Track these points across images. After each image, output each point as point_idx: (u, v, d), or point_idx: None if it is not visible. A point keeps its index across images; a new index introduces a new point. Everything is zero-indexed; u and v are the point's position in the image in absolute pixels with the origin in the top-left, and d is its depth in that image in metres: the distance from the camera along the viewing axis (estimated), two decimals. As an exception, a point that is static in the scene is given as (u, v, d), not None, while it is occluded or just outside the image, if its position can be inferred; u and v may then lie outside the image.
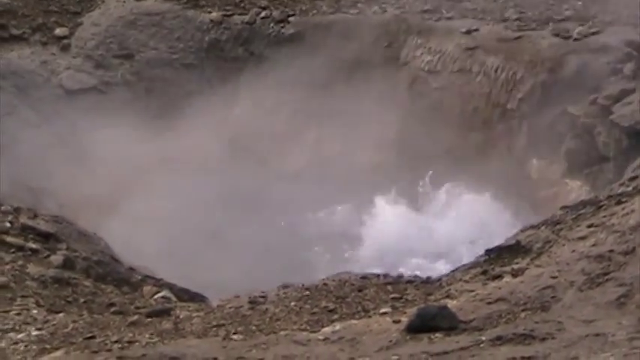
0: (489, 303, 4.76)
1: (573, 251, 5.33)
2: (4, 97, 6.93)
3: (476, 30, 9.60)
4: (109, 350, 4.35)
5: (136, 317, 5.10)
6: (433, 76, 9.19)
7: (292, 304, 5.24)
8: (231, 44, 10.08)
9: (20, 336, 4.54)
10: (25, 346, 4.40)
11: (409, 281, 5.60)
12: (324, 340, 4.46)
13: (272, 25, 10.97)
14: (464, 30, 9.52)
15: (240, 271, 7.53)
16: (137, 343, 4.50)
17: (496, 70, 8.93)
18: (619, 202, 5.86)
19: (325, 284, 5.51)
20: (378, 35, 9.69)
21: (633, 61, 8.37)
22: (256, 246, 8.48)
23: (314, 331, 4.73)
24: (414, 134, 9.75)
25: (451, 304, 4.81)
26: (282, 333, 4.75)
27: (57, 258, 5.67)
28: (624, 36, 9.14)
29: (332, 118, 9.51)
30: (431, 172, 8.71)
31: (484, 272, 5.55)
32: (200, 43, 10.10)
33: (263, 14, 10.42)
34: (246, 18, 10.80)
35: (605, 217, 5.80)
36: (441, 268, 6.81)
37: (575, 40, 9.34)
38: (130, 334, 4.68)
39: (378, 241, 8.18)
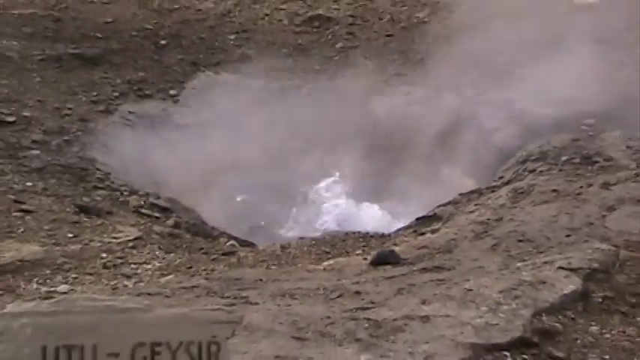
0: (418, 248, 5.78)
1: (466, 219, 6.33)
2: (141, 130, 7.93)
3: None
4: (199, 275, 5.44)
5: (215, 256, 6.10)
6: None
7: (305, 248, 6.16)
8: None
9: (149, 266, 5.58)
10: (152, 272, 5.46)
11: (372, 236, 6.47)
12: (323, 269, 5.54)
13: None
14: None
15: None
16: (215, 271, 5.57)
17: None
18: (493, 191, 6.76)
19: (324, 237, 6.48)
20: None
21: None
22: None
23: (317, 264, 5.77)
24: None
25: (396, 249, 5.77)
26: (299, 265, 5.81)
27: (170, 222, 6.62)
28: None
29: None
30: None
31: (415, 231, 6.49)
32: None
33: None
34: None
35: (484, 199, 6.71)
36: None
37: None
38: (212, 266, 5.73)
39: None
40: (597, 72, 8.24)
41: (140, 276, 5.44)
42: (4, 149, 7.29)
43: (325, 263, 5.73)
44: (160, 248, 5.96)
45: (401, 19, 10.26)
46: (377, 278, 5.11)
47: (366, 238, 6.34)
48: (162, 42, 9.83)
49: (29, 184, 6.77)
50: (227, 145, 7.98)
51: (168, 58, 9.42)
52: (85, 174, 7.21)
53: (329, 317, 4.27)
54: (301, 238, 6.40)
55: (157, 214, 6.69)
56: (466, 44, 9.02)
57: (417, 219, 6.75)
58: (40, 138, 7.58)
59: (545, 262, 4.88)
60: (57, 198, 6.59)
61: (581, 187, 6.19)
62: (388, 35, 9.84)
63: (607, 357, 4.12)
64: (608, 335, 4.30)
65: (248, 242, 6.50)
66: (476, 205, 6.54)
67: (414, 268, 5.27)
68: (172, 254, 5.89)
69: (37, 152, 7.36)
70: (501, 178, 6.92)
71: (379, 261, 5.48)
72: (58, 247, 5.63)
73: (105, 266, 5.52)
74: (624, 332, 4.35)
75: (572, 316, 4.41)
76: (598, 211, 5.75)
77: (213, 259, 5.94)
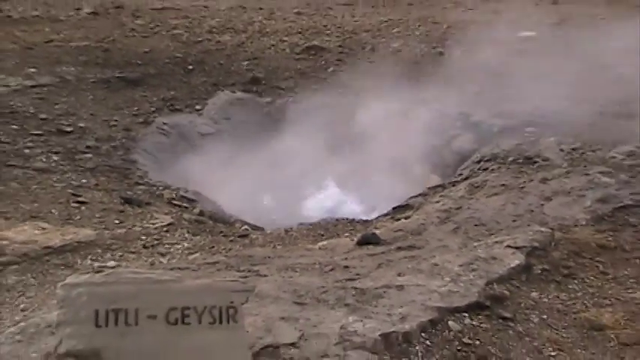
0: (394, 231, 5.68)
1: (433, 208, 6.20)
2: (173, 138, 7.91)
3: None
4: (219, 253, 5.33)
5: (232, 238, 5.99)
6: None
7: (304, 232, 6.09)
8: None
9: (179, 246, 5.50)
10: (182, 250, 5.40)
11: (357, 222, 6.41)
12: (318, 248, 5.47)
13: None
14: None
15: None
16: (232, 250, 5.50)
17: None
18: (453, 185, 6.71)
19: (319, 222, 6.40)
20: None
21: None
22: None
23: (314, 244, 5.64)
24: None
25: (377, 232, 5.66)
26: (299, 245, 5.69)
27: (196, 210, 6.50)
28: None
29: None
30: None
31: (392, 217, 6.42)
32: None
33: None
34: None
35: (447, 192, 6.64)
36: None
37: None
38: (229, 246, 5.67)
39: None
40: (535, 91, 8.25)
41: (172, 254, 5.40)
42: (64, 153, 7.27)
43: (320, 243, 5.66)
44: (188, 232, 5.91)
45: (379, 48, 10.26)
46: (362, 255, 5.10)
47: (352, 223, 6.31)
48: (189, 67, 9.82)
49: (84, 180, 6.77)
50: (241, 149, 8.00)
51: (194, 80, 9.40)
52: (128, 172, 7.21)
53: (323, 286, 4.28)
54: (301, 224, 6.33)
55: (185, 205, 6.64)
56: (430, 69, 9.01)
57: (394, 208, 6.71)
58: (92, 144, 7.57)
59: (496, 242, 4.91)
60: (106, 192, 6.59)
61: (524, 181, 6.19)
62: (370, 62, 9.80)
63: (544, 317, 4.17)
64: (545, 299, 4.34)
65: (258, 227, 6.44)
66: (440, 196, 6.51)
67: (391, 247, 5.26)
68: (198, 237, 5.84)
69: (90, 155, 7.36)
70: (460, 175, 6.89)
71: (363, 241, 5.43)
72: (107, 231, 5.64)
73: (144, 246, 5.51)
74: (558, 297, 4.40)
75: (517, 284, 4.44)
76: (537, 201, 5.75)
77: (231, 241, 5.87)
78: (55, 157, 7.11)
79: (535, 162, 6.48)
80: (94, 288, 3.32)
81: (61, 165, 6.98)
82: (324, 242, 5.66)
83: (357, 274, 4.55)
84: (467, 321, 4.02)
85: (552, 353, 3.88)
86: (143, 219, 6.09)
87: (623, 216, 5.33)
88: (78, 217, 5.91)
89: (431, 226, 5.66)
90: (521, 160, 6.58)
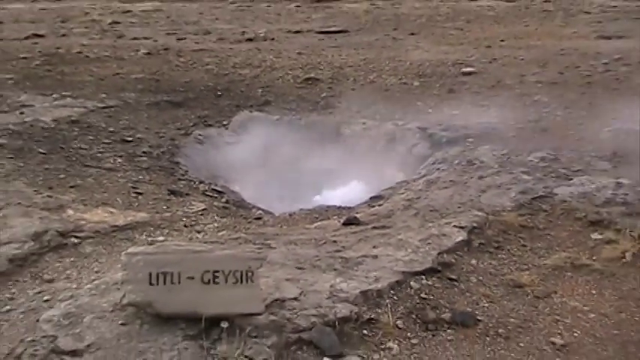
0: (371, 215, 5.55)
1: (399, 198, 5.98)
2: (206, 145, 7.82)
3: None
4: (240, 231, 5.27)
5: (250, 220, 5.81)
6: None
7: (303, 215, 5.95)
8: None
9: (211, 226, 5.33)
10: (213, 229, 5.28)
11: (343, 208, 6.20)
12: (314, 228, 5.29)
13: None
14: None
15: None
16: (250, 229, 5.41)
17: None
18: (414, 181, 6.51)
19: (315, 209, 6.24)
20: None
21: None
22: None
23: (310, 225, 5.45)
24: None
25: (358, 215, 5.54)
26: (299, 225, 5.56)
27: (223, 199, 6.38)
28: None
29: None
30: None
31: (369, 205, 6.21)
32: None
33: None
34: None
35: (410, 186, 6.30)
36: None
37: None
38: (248, 226, 5.52)
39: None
40: (474, 112, 8.25)
41: (205, 231, 5.34)
42: (126, 156, 7.23)
43: (315, 224, 5.57)
44: (217, 215, 5.85)
45: (359, 80, 10.23)
46: (346, 233, 5.05)
47: (340, 209, 6.19)
48: (219, 93, 9.72)
49: (140, 177, 6.73)
50: (256, 154, 7.94)
51: (222, 103, 9.31)
52: (173, 171, 7.15)
53: (317, 256, 4.25)
54: (301, 209, 6.21)
55: (215, 195, 6.55)
56: (397, 95, 9.00)
57: (370, 198, 6.59)
58: (146, 150, 7.53)
59: (446, 223, 4.88)
60: (157, 185, 6.54)
61: (466, 178, 6.13)
62: (352, 90, 9.73)
63: (480, 278, 4.17)
64: (481, 265, 4.34)
65: (270, 212, 6.33)
66: (405, 189, 6.41)
67: (368, 227, 5.19)
68: (224, 219, 5.74)
69: (145, 158, 7.32)
70: (420, 173, 6.79)
71: (347, 222, 5.35)
72: (157, 215, 5.62)
73: (185, 226, 5.46)
74: (490, 263, 4.41)
75: (461, 254, 4.43)
76: (476, 193, 5.70)
77: (249, 222, 5.80)
78: (119, 160, 7.11)
79: (474, 164, 6.42)
80: (148, 256, 3.33)
81: (124, 165, 6.99)
82: (319, 223, 5.59)
83: (343, 247, 4.52)
84: (424, 281, 4.05)
85: (486, 304, 3.91)
86: (184, 205, 6.05)
87: (537, 204, 5.30)
88: (136, 204, 5.89)
89: (398, 211, 5.58)
90: (464, 163, 6.51)
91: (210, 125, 8.67)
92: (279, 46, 13.20)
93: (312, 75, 10.51)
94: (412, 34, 14.62)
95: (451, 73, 10.15)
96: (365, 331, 3.43)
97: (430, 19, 16.78)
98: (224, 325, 3.17)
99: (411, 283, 3.94)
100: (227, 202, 6.57)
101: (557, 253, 4.36)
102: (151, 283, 3.21)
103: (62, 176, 6.12)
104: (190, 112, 9.02)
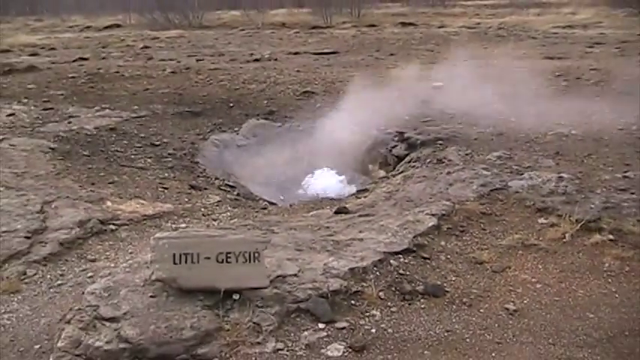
0: (357, 205, 5.47)
1: (381, 191, 5.95)
2: (221, 148, 7.51)
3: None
4: (249, 219, 5.11)
5: (257, 209, 5.70)
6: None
7: (301, 205, 5.88)
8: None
9: (224, 215, 5.30)
10: (226, 217, 5.14)
11: (334, 199, 6.17)
12: (310, 216, 5.17)
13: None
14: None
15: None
16: (257, 217, 5.28)
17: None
18: (393, 177, 6.42)
19: (311, 200, 6.24)
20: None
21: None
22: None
23: (307, 214, 5.45)
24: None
25: (347, 205, 5.42)
26: (298, 214, 5.51)
27: (235, 193, 6.27)
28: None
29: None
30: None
31: (356, 196, 6.16)
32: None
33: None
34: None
35: (390, 181, 6.35)
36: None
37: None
38: (255, 214, 5.44)
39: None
40: (443, 118, 8.15)
41: (220, 219, 5.30)
42: (155, 158, 7.18)
43: (311, 213, 5.52)
44: (230, 206, 5.78)
45: (348, 93, 10.15)
46: (337, 220, 5.00)
47: (331, 200, 6.15)
48: (231, 105, 9.60)
49: (166, 174, 6.68)
50: (263, 154, 7.80)
51: (233, 112, 9.19)
52: (193, 169, 7.08)
53: (313, 239, 4.21)
54: (299, 201, 6.21)
55: (228, 189, 6.48)
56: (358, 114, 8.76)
57: (357, 190, 6.56)
58: (171, 152, 7.46)
59: (420, 211, 4.81)
60: (180, 182, 6.48)
61: (437, 174, 6.05)
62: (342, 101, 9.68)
63: (448, 256, 4.13)
64: (449, 246, 4.29)
65: (273, 203, 6.29)
66: (386, 183, 6.34)
67: (355, 215, 5.13)
68: (236, 209, 5.70)
69: (170, 159, 7.24)
70: (398, 170, 6.70)
71: (338, 212, 5.30)
72: (180, 206, 5.58)
73: (203, 215, 5.41)
74: (457, 244, 4.35)
75: (432, 237, 4.38)
76: (444, 186, 5.62)
77: (256, 211, 5.74)
78: (149, 160, 7.06)
79: (443, 162, 6.33)
80: (173, 240, 3.30)
81: (153, 165, 6.93)
82: (314, 212, 5.51)
83: (334, 232, 4.46)
84: (401, 260, 4.01)
85: (453, 278, 3.88)
86: (202, 198, 5.99)
87: (495, 194, 5.22)
88: (163, 197, 5.85)
89: (380, 202, 5.54)
90: (435, 161, 6.41)
91: (224, 131, 8.59)
92: (281, 65, 13.14)
93: (308, 89, 10.45)
94: (391, 54, 14.80)
95: (423, 86, 10.00)
96: (353, 301, 3.43)
97: (406, 43, 17.06)
98: (235, 297, 3.21)
99: (391, 261, 3.89)
100: (238, 195, 6.50)
101: (511, 235, 4.32)
102: (175, 263, 3.20)
103: (102, 174, 6.12)
104: (207, 120, 8.93)
